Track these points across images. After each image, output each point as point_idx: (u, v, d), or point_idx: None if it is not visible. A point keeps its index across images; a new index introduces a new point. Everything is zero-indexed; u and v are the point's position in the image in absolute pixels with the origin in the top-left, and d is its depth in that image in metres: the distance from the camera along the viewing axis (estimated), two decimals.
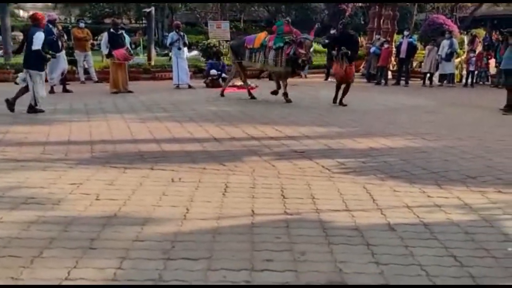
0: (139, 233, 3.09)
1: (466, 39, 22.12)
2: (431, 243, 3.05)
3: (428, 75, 14.18)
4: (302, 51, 9.01)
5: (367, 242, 3.03)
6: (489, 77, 14.52)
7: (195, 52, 20.97)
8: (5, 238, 2.96)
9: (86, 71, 13.70)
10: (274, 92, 9.92)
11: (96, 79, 13.73)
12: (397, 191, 4.11)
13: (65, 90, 11.38)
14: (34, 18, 8.08)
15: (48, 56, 8.06)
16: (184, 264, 2.67)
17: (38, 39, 7.66)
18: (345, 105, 9.24)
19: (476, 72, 14.45)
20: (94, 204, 3.62)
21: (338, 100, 9.36)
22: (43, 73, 8.02)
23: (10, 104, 7.80)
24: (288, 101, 9.53)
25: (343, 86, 9.31)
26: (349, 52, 8.92)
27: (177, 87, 12.20)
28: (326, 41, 12.73)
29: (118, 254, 2.77)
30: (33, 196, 3.72)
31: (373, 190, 4.12)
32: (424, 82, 14.21)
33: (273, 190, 4.06)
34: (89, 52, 13.70)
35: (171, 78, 12.90)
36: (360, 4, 27.60)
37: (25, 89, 7.91)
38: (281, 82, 9.79)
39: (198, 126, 6.95)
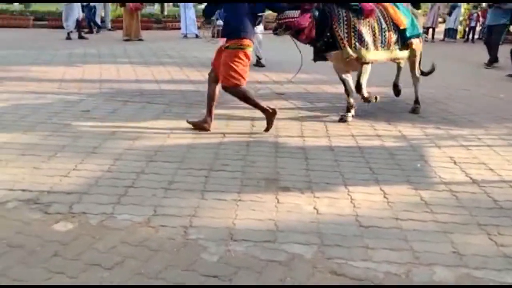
0: (131, 145, 3.99)
1: None
2: (357, 159, 3.88)
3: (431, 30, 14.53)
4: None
5: (306, 157, 3.87)
6: None
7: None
8: (29, 144, 3.90)
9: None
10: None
11: (110, 27, 14.50)
12: (349, 125, 4.91)
13: (80, 37, 12.18)
14: None
15: None
16: (161, 164, 3.57)
17: None
18: None
19: (479, 28, 14.75)
20: (98, 126, 4.53)
21: None
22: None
23: None
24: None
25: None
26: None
27: (185, 36, 12.91)
28: None
29: (113, 157, 3.69)
30: (50, 118, 4.66)
31: (330, 124, 4.92)
32: (426, 37, 14.57)
33: (244, 122, 4.89)
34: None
35: (180, 28, 13.58)
36: None
37: None
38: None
39: (196, 71, 7.75)
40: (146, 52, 9.91)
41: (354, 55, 4.67)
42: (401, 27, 4.97)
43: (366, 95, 5.04)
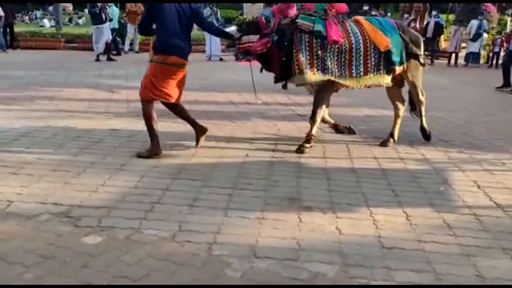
0: (157, 163, 4.11)
1: (509, 20, 21.86)
2: (379, 181, 3.89)
3: (454, 55, 14.47)
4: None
5: (329, 178, 3.91)
6: None
7: (233, 28, 21.85)
8: (60, 160, 4.06)
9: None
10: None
11: (137, 50, 14.93)
12: (372, 147, 4.93)
13: (109, 59, 12.57)
14: None
15: None
16: (186, 182, 3.66)
17: None
18: None
19: (504, 54, 14.61)
20: (126, 144, 4.67)
21: None
22: None
23: None
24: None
25: None
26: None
27: (209, 59, 13.18)
28: None
29: (140, 174, 3.80)
30: (79, 136, 4.83)
31: (352, 146, 4.95)
32: (449, 62, 14.53)
33: (267, 141, 4.97)
34: None
35: (205, 51, 13.88)
36: None
37: None
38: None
39: (219, 92, 7.91)
40: None
41: (315, 79, 4.47)
42: (382, 49, 4.57)
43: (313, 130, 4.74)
